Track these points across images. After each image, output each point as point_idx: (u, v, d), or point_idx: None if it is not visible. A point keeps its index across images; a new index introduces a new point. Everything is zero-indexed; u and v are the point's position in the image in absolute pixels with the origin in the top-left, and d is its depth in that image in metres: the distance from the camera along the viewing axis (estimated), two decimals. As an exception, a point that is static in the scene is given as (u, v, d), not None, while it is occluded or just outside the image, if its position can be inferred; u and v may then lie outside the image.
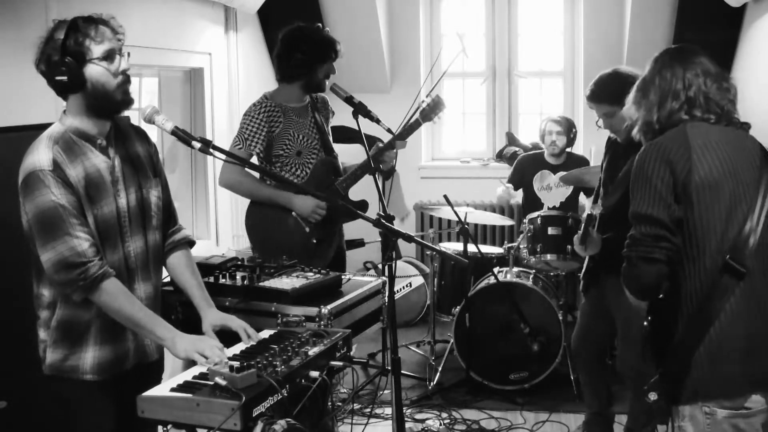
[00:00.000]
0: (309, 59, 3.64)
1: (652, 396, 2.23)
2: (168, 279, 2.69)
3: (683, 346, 2.17)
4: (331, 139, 3.88)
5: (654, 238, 2.18)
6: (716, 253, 2.15)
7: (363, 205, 3.72)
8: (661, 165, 2.19)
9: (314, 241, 3.70)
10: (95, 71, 2.27)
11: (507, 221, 5.35)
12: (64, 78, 2.25)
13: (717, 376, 2.15)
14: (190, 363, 2.27)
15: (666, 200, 2.18)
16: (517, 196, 5.40)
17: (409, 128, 3.83)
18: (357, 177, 3.74)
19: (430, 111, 3.83)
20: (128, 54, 2.35)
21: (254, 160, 3.68)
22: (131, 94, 2.36)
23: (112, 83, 2.29)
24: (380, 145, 3.78)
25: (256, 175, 3.74)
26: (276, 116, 3.65)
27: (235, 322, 2.46)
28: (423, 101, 3.87)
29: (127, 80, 2.33)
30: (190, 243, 2.67)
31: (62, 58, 2.23)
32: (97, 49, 2.26)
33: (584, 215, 3.20)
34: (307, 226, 3.68)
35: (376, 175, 3.52)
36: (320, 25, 3.78)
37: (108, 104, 2.33)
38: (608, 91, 3.29)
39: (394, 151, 3.79)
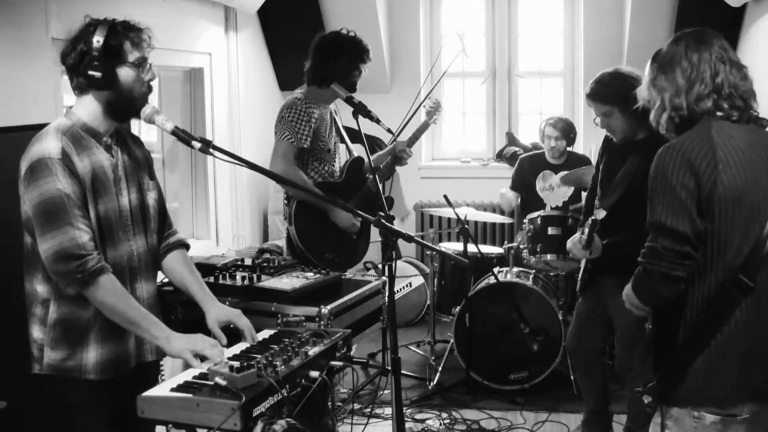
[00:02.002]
0: (354, 60, 3.82)
1: (646, 399, 2.21)
2: (167, 280, 2.69)
3: (683, 354, 2.14)
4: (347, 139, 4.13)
5: (677, 255, 2.08)
6: (729, 266, 2.09)
7: (389, 201, 3.93)
8: (685, 173, 2.07)
9: (354, 236, 3.94)
10: (128, 74, 2.32)
11: (507, 219, 5.34)
12: (98, 74, 2.29)
13: (713, 386, 2.13)
14: (190, 362, 2.27)
15: (690, 213, 2.07)
16: (514, 201, 5.42)
17: (419, 131, 4.18)
18: (386, 175, 4.08)
19: (433, 112, 4.18)
20: (151, 65, 2.41)
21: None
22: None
23: (139, 89, 2.35)
24: (404, 146, 4.09)
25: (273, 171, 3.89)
26: (315, 113, 3.79)
27: (241, 321, 2.46)
28: (425, 104, 4.20)
29: (150, 90, 2.40)
30: (185, 245, 2.67)
31: (101, 55, 2.27)
32: (133, 54, 2.32)
33: (589, 219, 3.18)
34: None
35: (377, 176, 3.55)
36: (347, 29, 3.91)
37: (129, 107, 2.37)
38: (608, 91, 3.29)
39: (411, 152, 4.14)
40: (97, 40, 2.27)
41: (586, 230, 3.17)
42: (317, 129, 3.80)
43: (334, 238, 3.85)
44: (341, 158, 4.05)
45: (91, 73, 2.28)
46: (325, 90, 3.81)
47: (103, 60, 2.27)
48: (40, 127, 2.36)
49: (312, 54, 3.87)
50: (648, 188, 2.18)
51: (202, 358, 2.25)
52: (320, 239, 3.80)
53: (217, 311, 2.48)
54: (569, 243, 3.40)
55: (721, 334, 2.10)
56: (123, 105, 2.35)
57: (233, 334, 2.45)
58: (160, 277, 2.65)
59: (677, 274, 2.10)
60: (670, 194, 2.09)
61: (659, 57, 2.26)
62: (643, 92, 2.32)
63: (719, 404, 2.14)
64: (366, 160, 3.92)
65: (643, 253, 2.18)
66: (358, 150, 4.01)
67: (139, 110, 2.39)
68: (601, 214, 3.07)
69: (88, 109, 2.35)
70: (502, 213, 6.02)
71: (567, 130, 5.13)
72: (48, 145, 2.25)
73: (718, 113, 2.15)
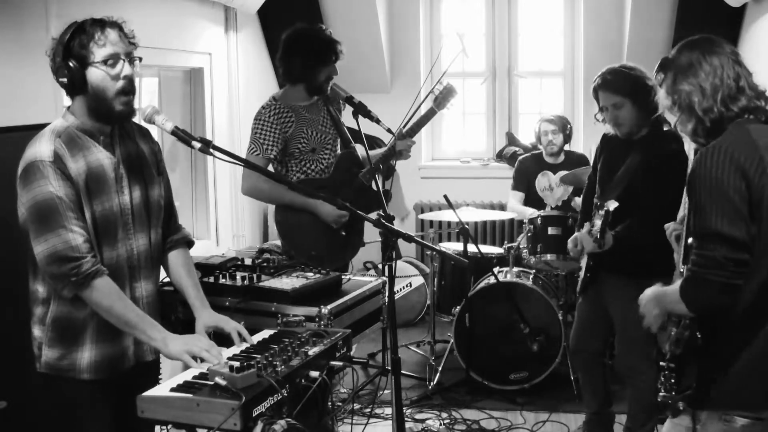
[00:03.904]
0: (309, 63, 3.61)
1: (681, 405, 2.16)
2: (167, 279, 2.69)
3: (723, 357, 2.10)
4: (347, 131, 3.88)
5: (737, 264, 1.99)
6: None
7: (385, 195, 3.63)
8: (735, 175, 2.00)
9: (343, 233, 3.74)
10: (95, 75, 2.27)
11: (507, 215, 5.31)
12: (65, 80, 2.27)
13: (750, 390, 2.09)
14: (189, 362, 2.27)
15: (745, 218, 1.99)
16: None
17: (425, 117, 3.78)
18: (378, 168, 3.75)
19: (443, 99, 3.77)
20: (139, 59, 2.35)
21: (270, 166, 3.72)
22: (133, 104, 2.36)
23: (112, 89, 2.28)
24: (393, 146, 3.75)
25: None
26: (287, 117, 3.65)
27: (229, 325, 2.45)
28: (434, 88, 3.80)
29: (127, 88, 2.31)
30: (188, 243, 2.67)
31: (65, 61, 2.25)
32: (99, 53, 2.26)
33: (600, 212, 3.17)
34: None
35: (377, 176, 3.53)
36: (322, 26, 3.77)
37: (108, 111, 2.32)
38: (622, 82, 3.28)
39: (412, 141, 3.77)
40: (60, 46, 2.25)
41: (597, 222, 3.16)
42: (293, 132, 3.65)
43: (319, 235, 3.68)
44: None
45: (60, 80, 2.27)
46: (296, 89, 3.70)
47: (68, 66, 2.25)
48: (40, 127, 2.36)
49: (279, 50, 3.73)
50: (693, 193, 2.09)
51: (201, 359, 2.25)
52: (304, 236, 3.68)
53: (206, 317, 2.48)
54: (579, 236, 3.38)
55: (761, 336, 2.06)
56: (101, 107, 2.31)
57: (228, 338, 2.44)
58: (162, 275, 2.65)
59: (737, 282, 2.02)
60: (723, 199, 2.00)
61: (674, 64, 2.22)
62: (663, 100, 2.26)
63: (755, 408, 2.10)
64: (359, 155, 3.83)
65: (696, 262, 2.07)
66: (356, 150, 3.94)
67: (120, 114, 2.33)
68: (612, 205, 3.05)
69: (80, 111, 2.34)
70: (502, 209, 6.01)
71: (563, 124, 5.16)
72: (40, 148, 2.24)
73: (750, 115, 2.12)
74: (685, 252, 2.33)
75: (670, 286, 2.22)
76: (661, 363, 2.29)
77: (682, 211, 2.55)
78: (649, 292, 2.32)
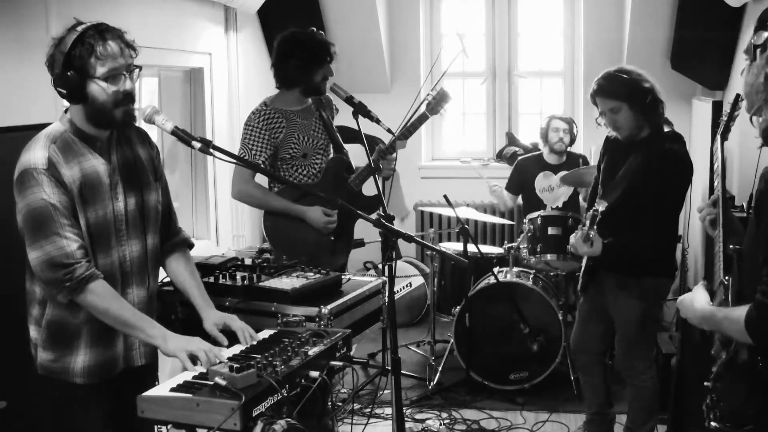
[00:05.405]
0: (305, 64, 3.65)
1: None
2: (167, 279, 2.69)
3: None
4: (339, 136, 3.90)
5: None
6: None
7: (377, 200, 3.56)
8: None
9: (332, 238, 3.74)
10: (96, 90, 2.26)
11: (508, 221, 5.35)
12: (64, 91, 2.27)
13: None
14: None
15: None
16: (510, 201, 5.42)
17: (417, 121, 3.86)
18: (368, 173, 3.75)
19: (437, 104, 3.85)
20: (139, 69, 2.35)
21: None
22: (133, 113, 2.36)
23: (112, 102, 2.29)
24: (382, 147, 3.79)
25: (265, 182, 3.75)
26: (277, 122, 3.65)
27: (236, 323, 2.46)
28: (428, 95, 3.88)
29: (127, 100, 2.31)
30: (189, 245, 2.67)
31: (64, 71, 2.23)
32: (100, 69, 2.25)
33: (587, 214, 3.19)
34: None
35: (377, 175, 3.53)
36: (314, 29, 3.79)
37: (107, 121, 2.33)
38: (617, 86, 3.28)
39: (394, 156, 3.81)
40: (61, 55, 2.23)
41: (587, 222, 3.17)
42: (284, 137, 3.64)
43: (308, 240, 3.66)
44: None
45: (59, 89, 2.27)
46: (290, 93, 3.72)
47: (68, 78, 2.23)
48: (40, 127, 2.36)
49: (273, 55, 3.75)
50: (763, 212, 1.85)
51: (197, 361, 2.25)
52: (292, 241, 3.66)
53: (214, 315, 2.49)
54: (572, 239, 3.39)
55: None
56: (100, 118, 2.31)
57: (233, 336, 2.45)
58: (161, 275, 2.65)
59: None
60: None
61: None
62: (749, 75, 1.92)
63: None
64: (349, 160, 3.85)
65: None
66: (356, 150, 3.95)
67: (120, 123, 2.34)
68: (602, 205, 3.06)
69: (79, 115, 2.33)
70: (503, 215, 6.02)
71: (572, 126, 5.21)
72: (35, 155, 2.24)
73: None
74: (726, 262, 2.16)
75: (730, 311, 1.98)
76: (706, 383, 2.13)
77: (701, 200, 2.37)
78: (696, 307, 2.10)
